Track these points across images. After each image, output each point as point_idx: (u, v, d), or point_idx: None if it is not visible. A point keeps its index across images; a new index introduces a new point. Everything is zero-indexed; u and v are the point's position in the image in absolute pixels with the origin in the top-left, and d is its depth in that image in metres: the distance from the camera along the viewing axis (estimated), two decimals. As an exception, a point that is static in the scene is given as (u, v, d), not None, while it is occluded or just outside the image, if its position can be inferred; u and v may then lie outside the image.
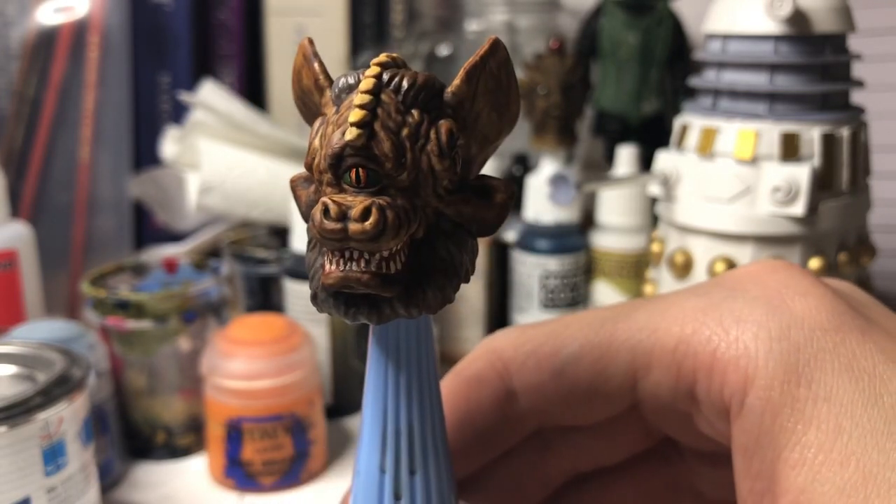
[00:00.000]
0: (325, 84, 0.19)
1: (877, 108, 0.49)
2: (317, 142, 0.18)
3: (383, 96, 0.18)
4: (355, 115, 0.17)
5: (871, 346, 0.21)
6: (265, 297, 0.58)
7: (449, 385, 0.25)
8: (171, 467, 0.50)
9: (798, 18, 0.42)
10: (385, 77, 0.18)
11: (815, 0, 0.42)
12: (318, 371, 0.49)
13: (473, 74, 0.18)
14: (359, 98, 0.17)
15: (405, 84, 0.18)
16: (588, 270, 0.61)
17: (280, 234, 0.62)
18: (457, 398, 0.24)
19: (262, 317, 0.50)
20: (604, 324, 0.24)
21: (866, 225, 0.47)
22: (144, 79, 0.72)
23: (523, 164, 0.69)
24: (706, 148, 0.44)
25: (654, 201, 0.49)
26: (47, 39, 0.66)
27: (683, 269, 0.45)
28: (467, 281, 0.19)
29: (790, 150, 0.42)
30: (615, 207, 0.59)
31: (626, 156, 0.58)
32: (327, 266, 0.18)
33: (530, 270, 0.59)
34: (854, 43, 0.45)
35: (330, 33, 0.73)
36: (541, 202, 0.58)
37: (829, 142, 0.43)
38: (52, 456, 0.35)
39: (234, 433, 0.46)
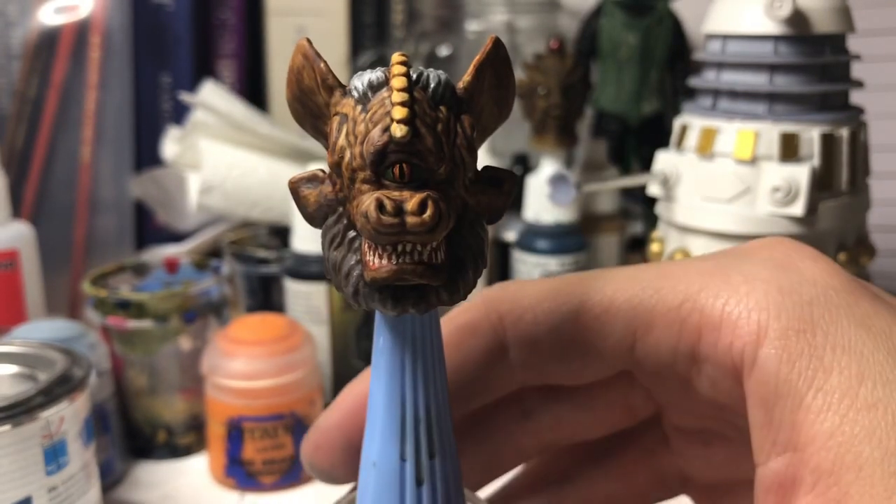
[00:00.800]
0: (334, 84, 0.19)
1: (876, 109, 0.49)
2: (343, 140, 0.18)
3: (416, 93, 0.18)
4: (399, 111, 0.17)
5: (884, 310, 0.20)
6: (266, 296, 0.58)
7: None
8: (172, 467, 0.50)
9: (798, 19, 0.42)
10: (413, 75, 0.18)
11: (814, 0, 0.42)
12: (318, 370, 0.49)
13: (482, 70, 0.19)
14: (398, 95, 0.18)
15: (432, 81, 0.18)
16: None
17: (280, 233, 0.62)
18: (447, 345, 0.23)
19: (262, 316, 0.50)
20: (606, 282, 0.23)
21: (865, 225, 0.47)
22: (145, 79, 0.72)
23: (523, 164, 0.69)
24: (706, 148, 0.44)
25: (654, 201, 0.49)
26: (49, 40, 0.66)
27: (683, 268, 0.45)
28: (487, 266, 0.20)
29: (790, 150, 0.42)
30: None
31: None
32: (375, 261, 0.18)
33: (530, 270, 0.59)
34: (854, 43, 0.46)
35: (330, 33, 0.73)
36: (541, 202, 0.58)
37: (829, 142, 0.43)
38: (54, 455, 0.35)
39: (235, 432, 0.46)
